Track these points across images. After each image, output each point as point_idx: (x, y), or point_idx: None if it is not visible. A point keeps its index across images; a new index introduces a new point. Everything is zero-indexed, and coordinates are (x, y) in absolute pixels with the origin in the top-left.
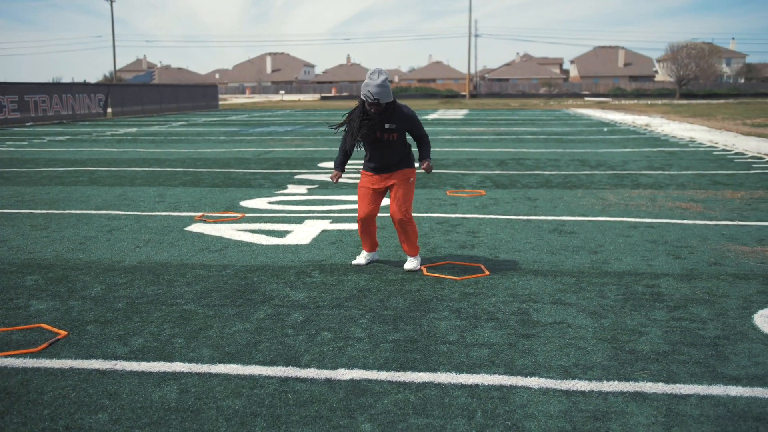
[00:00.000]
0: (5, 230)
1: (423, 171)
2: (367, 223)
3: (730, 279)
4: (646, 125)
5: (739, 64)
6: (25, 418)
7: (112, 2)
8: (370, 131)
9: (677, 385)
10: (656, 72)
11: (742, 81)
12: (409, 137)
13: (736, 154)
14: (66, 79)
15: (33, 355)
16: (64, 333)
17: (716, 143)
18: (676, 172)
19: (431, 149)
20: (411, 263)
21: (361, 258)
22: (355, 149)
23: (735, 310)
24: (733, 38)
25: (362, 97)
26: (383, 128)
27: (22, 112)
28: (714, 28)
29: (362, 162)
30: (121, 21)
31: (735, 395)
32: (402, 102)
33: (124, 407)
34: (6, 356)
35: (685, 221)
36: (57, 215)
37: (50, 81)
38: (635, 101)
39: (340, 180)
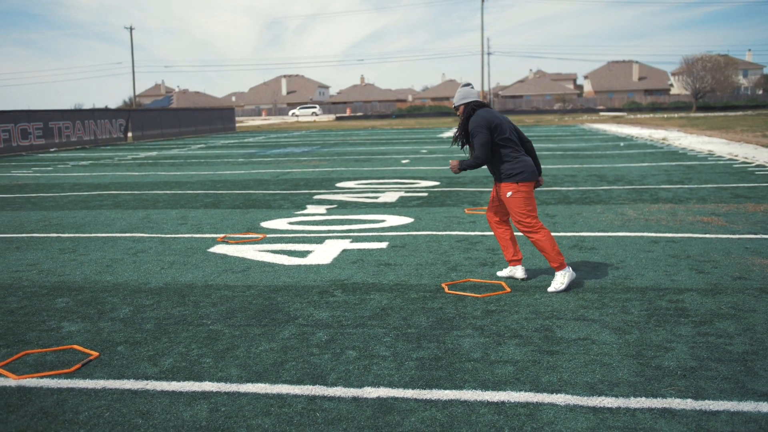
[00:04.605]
0: (35, 253)
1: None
2: (491, 226)
3: (756, 293)
4: (663, 139)
5: (756, 76)
6: None
7: (131, 30)
8: (458, 137)
9: (706, 401)
10: (671, 85)
11: (760, 92)
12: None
13: (757, 166)
14: (87, 106)
15: (67, 376)
16: (95, 354)
17: (736, 156)
18: (696, 186)
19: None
20: (553, 284)
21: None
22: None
23: (762, 324)
24: (750, 49)
25: None
26: (465, 131)
27: (47, 138)
28: (729, 40)
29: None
30: (139, 47)
31: (767, 411)
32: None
33: (157, 426)
34: (42, 377)
35: (707, 235)
36: (83, 238)
37: (72, 108)
38: (651, 115)
39: (359, 200)
